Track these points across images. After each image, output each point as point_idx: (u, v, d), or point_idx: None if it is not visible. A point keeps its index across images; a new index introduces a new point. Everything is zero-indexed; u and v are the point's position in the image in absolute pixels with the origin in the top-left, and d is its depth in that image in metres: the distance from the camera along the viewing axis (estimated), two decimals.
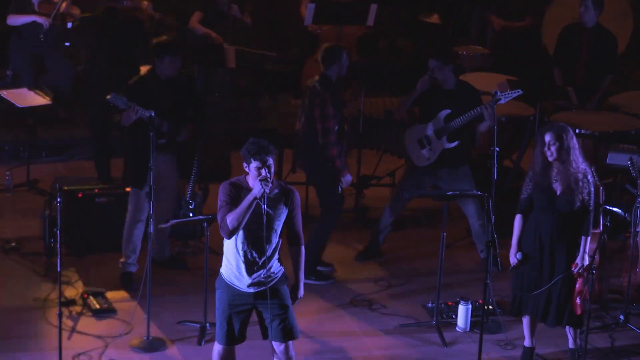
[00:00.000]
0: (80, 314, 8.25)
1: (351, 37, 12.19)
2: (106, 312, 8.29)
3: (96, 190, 9.26)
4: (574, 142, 7.45)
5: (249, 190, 6.58)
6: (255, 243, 6.65)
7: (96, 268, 8.98)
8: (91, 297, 8.41)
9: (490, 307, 8.25)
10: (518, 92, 8.80)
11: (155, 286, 8.20)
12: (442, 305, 8.44)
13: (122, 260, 8.73)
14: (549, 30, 12.55)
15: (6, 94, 10.45)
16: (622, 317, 8.37)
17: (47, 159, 11.26)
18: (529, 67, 12.10)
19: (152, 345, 7.86)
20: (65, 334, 7.40)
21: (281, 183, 6.77)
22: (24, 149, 10.85)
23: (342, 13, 11.67)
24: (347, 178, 8.86)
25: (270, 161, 6.55)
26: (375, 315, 8.53)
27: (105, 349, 7.79)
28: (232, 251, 6.72)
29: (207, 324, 7.97)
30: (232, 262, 6.74)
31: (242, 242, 6.67)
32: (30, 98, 10.40)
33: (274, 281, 6.77)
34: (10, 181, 10.43)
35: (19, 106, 10.30)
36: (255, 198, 6.49)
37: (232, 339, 6.84)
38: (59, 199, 7.03)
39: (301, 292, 6.89)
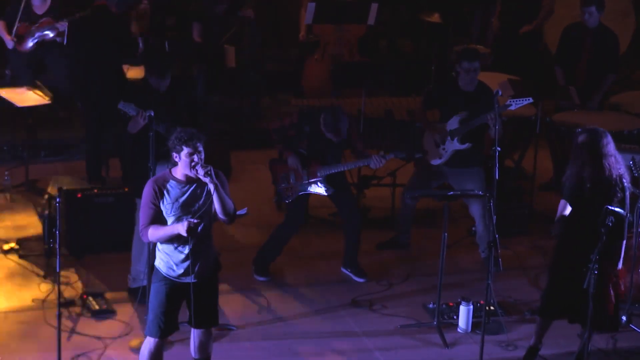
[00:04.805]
0: (79, 314, 8.23)
1: (352, 37, 12.15)
2: (105, 312, 8.26)
3: (95, 191, 9.23)
4: (610, 149, 7.30)
5: (176, 180, 6.72)
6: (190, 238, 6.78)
7: (95, 269, 8.95)
8: (90, 298, 8.39)
9: (492, 307, 8.21)
10: (529, 99, 8.77)
11: None
12: (443, 306, 8.41)
13: (130, 276, 8.56)
14: (551, 30, 12.52)
15: (5, 93, 10.42)
16: (624, 318, 8.33)
17: (46, 159, 11.24)
18: (530, 67, 12.06)
19: None
20: (64, 335, 7.37)
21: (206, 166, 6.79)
22: (23, 149, 10.82)
23: (342, 12, 11.63)
24: (290, 161, 8.78)
25: (201, 147, 6.69)
26: (376, 316, 8.50)
27: (104, 350, 7.76)
28: (166, 247, 6.81)
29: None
30: (167, 256, 6.82)
31: (177, 239, 6.77)
32: (29, 98, 10.37)
33: (208, 270, 6.91)
34: (9, 181, 10.41)
35: (18, 106, 10.27)
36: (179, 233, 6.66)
37: (167, 331, 6.95)
38: (58, 199, 7.01)
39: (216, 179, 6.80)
